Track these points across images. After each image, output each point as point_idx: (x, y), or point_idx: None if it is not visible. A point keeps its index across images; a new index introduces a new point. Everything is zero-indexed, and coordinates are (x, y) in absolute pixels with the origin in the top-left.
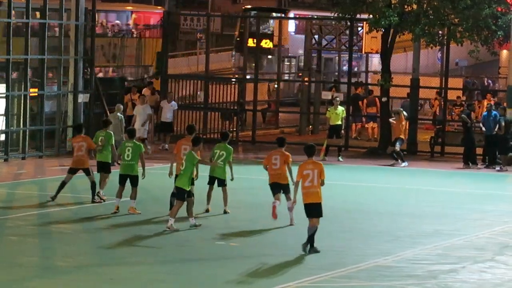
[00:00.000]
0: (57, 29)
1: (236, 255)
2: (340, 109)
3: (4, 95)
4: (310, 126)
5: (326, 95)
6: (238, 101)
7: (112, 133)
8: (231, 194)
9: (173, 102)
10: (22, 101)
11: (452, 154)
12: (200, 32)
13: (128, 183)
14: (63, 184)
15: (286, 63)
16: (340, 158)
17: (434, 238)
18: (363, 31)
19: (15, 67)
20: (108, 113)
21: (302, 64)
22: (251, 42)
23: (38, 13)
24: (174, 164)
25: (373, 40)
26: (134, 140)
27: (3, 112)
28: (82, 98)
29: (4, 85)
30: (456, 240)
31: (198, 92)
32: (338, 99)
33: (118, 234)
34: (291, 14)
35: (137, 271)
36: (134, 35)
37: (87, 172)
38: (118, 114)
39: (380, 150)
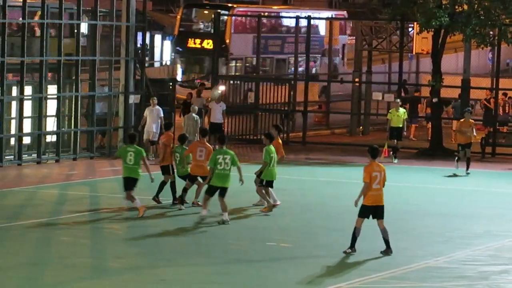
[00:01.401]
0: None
1: (287, 256)
2: (402, 111)
3: (55, 96)
4: (361, 127)
5: (377, 96)
6: (288, 102)
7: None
8: (281, 195)
9: (221, 103)
10: (73, 102)
11: (503, 154)
12: None
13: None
14: (163, 184)
15: (232, 64)
16: (395, 160)
17: (485, 239)
18: (413, 32)
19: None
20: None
21: (252, 65)
22: (191, 43)
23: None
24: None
25: (423, 40)
26: (135, 145)
27: (54, 113)
28: (133, 99)
29: (55, 86)
30: (507, 241)
31: (249, 93)
32: (398, 101)
33: (168, 235)
34: (329, 14)
35: (188, 272)
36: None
37: (167, 170)
38: (194, 115)
39: (431, 151)
